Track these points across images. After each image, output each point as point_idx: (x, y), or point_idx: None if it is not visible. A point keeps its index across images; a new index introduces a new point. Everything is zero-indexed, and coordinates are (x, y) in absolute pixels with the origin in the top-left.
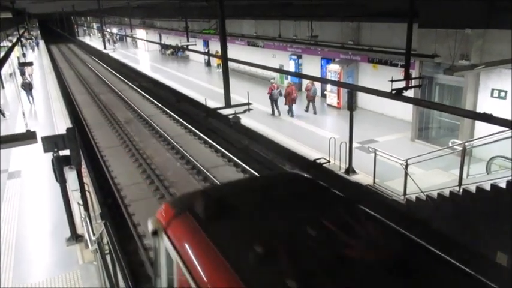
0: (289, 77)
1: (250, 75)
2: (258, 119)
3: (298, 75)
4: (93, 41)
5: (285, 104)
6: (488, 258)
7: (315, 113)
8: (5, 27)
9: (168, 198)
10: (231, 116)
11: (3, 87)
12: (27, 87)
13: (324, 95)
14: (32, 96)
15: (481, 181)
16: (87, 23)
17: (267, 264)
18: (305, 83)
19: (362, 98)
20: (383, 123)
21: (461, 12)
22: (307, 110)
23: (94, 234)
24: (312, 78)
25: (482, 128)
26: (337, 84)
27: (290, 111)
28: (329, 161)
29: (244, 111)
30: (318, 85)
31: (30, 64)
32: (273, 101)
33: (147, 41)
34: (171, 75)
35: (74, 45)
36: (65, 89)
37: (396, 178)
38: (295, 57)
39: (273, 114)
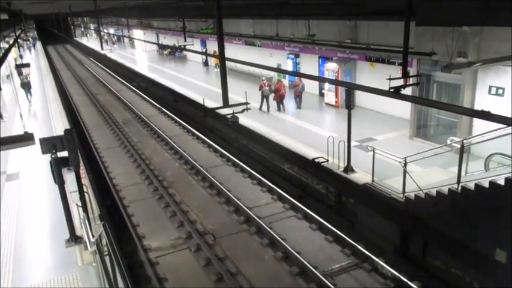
0: (280, 74)
1: (248, 74)
2: (252, 116)
3: (296, 74)
4: (90, 41)
5: (274, 99)
6: (488, 255)
7: (299, 108)
8: (2, 29)
9: (167, 198)
10: (229, 116)
11: (0, 89)
12: (26, 86)
13: (322, 94)
14: (30, 95)
15: (480, 178)
16: (84, 23)
17: None
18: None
19: (360, 97)
20: (381, 121)
21: (458, 10)
22: (299, 107)
23: (93, 236)
24: (310, 77)
25: (480, 125)
26: (335, 82)
27: (282, 107)
28: (327, 160)
29: (243, 111)
30: (315, 83)
31: (27, 65)
32: (264, 97)
33: (145, 41)
34: (168, 75)
35: (71, 46)
36: (62, 90)
37: (395, 176)
38: (293, 56)
39: (260, 108)
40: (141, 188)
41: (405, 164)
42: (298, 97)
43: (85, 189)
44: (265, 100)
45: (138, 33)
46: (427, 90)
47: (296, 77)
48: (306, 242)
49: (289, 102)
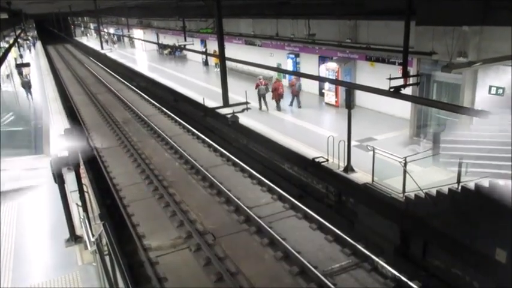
0: (280, 73)
1: (248, 74)
2: (252, 116)
3: (296, 73)
4: (90, 41)
5: (272, 98)
6: (488, 255)
7: (299, 107)
8: (2, 28)
9: (167, 198)
10: (229, 116)
11: (0, 88)
12: (27, 85)
13: (322, 94)
14: (30, 94)
15: (480, 178)
16: (84, 23)
17: None
18: (302, 80)
19: (360, 97)
20: (381, 121)
21: (458, 10)
22: (291, 104)
23: (93, 235)
24: (311, 77)
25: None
26: (335, 82)
27: (278, 106)
28: (327, 160)
29: (243, 111)
30: (315, 83)
31: (27, 65)
32: (261, 96)
33: (144, 40)
34: (168, 75)
35: (71, 45)
36: (62, 89)
37: (395, 176)
38: (293, 55)
39: (260, 108)
40: (141, 188)
41: (405, 164)
42: (296, 96)
43: (85, 189)
44: (262, 99)
45: (138, 33)
46: (427, 90)
47: (293, 77)
48: (306, 241)
49: (287, 102)
